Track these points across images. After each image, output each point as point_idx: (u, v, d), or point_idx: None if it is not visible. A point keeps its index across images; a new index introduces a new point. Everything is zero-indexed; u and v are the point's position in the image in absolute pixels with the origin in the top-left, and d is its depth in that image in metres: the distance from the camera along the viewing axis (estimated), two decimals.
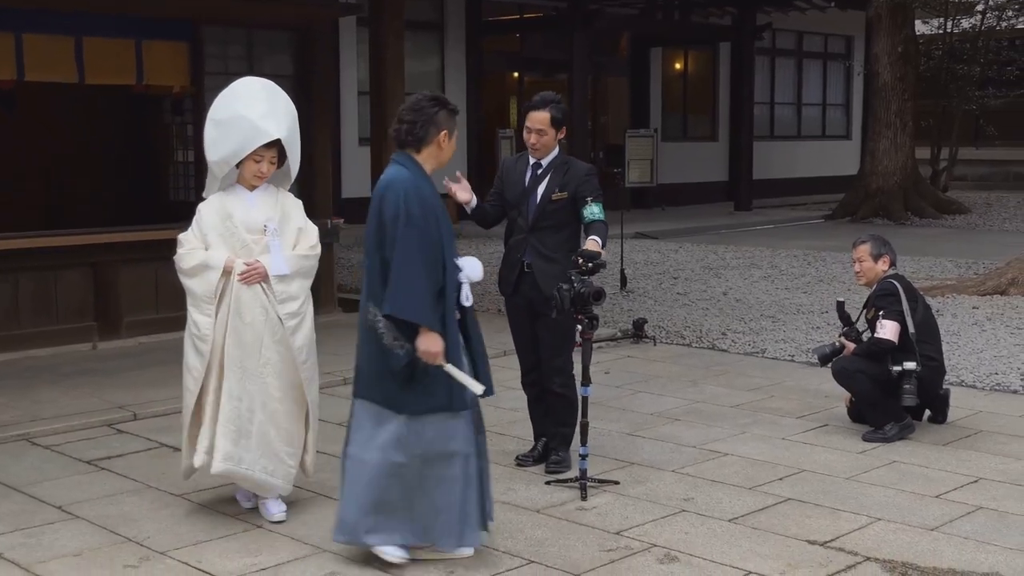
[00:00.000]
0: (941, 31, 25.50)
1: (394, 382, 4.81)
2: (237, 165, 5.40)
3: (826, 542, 5.14)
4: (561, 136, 6.07)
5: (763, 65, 26.10)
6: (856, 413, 7.06)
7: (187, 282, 5.46)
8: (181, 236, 5.50)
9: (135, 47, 9.64)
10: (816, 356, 7.24)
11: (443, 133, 4.94)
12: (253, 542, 5.18)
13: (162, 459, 6.48)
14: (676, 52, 24.97)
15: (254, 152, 5.34)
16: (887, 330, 6.73)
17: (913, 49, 22.03)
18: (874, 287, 6.99)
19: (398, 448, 4.81)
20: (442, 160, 4.99)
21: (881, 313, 6.80)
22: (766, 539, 5.18)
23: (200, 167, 10.45)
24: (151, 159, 11.45)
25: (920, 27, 24.44)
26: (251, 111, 5.37)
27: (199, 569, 4.87)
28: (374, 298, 4.81)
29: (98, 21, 9.36)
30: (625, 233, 14.50)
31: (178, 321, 9.65)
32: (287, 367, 5.40)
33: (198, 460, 5.43)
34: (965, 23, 25.61)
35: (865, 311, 7.07)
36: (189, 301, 5.45)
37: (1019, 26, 26.02)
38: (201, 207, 5.51)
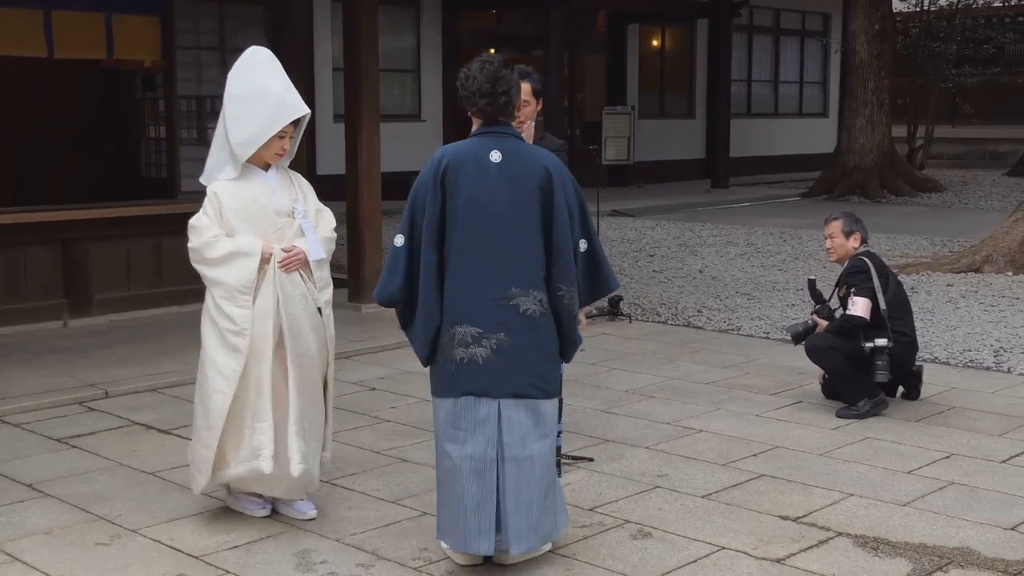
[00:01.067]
0: (918, 9, 25.61)
1: (557, 367, 4.70)
2: None
3: (799, 518, 5.15)
4: (539, 108, 6.04)
5: (740, 42, 26.07)
6: (829, 390, 7.07)
7: (214, 272, 4.96)
8: (194, 222, 5.00)
9: (105, 21, 9.54)
10: (789, 334, 7.24)
11: (520, 96, 4.82)
12: (226, 520, 5.15)
13: (134, 437, 6.43)
14: (653, 29, 24.92)
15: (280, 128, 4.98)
16: (858, 307, 6.74)
17: (890, 27, 22.07)
18: (845, 264, 7.00)
19: (553, 428, 4.66)
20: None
21: (852, 290, 6.80)
22: (739, 515, 5.19)
23: (173, 143, 10.42)
24: (122, 135, 11.36)
25: (897, 5, 24.48)
26: (273, 84, 4.99)
27: (171, 547, 4.84)
28: (542, 281, 4.52)
29: None
30: (601, 211, 14.47)
31: (149, 299, 9.75)
32: (320, 358, 5.10)
33: (259, 465, 4.92)
34: (942, 0, 25.70)
35: (837, 288, 7.07)
36: (218, 293, 4.95)
37: (995, 4, 26.12)
38: (216, 190, 5.01)
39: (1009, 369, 7.99)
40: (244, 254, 4.92)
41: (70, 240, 9.35)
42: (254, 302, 4.93)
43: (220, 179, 5.04)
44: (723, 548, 4.80)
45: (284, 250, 4.98)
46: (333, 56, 17.88)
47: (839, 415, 6.75)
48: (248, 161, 5.03)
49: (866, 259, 6.90)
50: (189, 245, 5.01)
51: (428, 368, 4.66)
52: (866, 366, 6.76)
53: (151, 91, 10.91)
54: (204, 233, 4.97)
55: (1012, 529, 5.01)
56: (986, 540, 4.88)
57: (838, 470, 5.81)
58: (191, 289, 9.71)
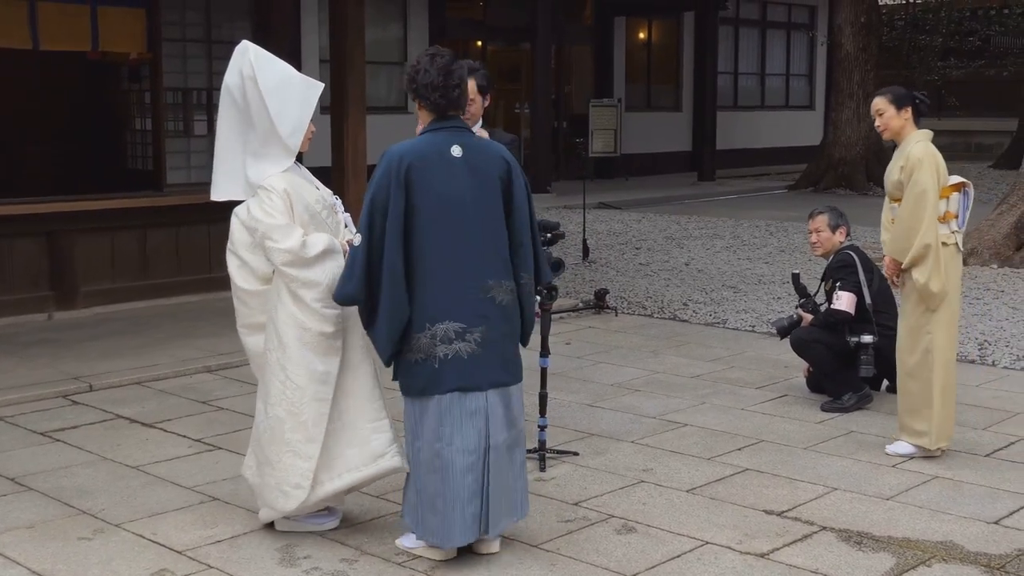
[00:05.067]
0: (904, 1, 25.64)
1: (519, 348, 4.74)
2: None
3: (783, 512, 5.16)
4: (487, 104, 5.96)
5: (727, 35, 26.09)
6: (814, 383, 7.09)
7: (309, 274, 4.64)
8: (273, 222, 4.63)
9: (90, 13, 9.50)
10: (775, 328, 7.26)
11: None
12: (209, 514, 5.14)
13: (118, 431, 6.41)
14: (640, 21, 24.90)
15: None
16: (843, 301, 6.76)
17: (876, 19, 22.10)
18: (831, 258, 7.01)
19: (521, 411, 4.73)
20: None
21: (838, 284, 6.82)
22: (723, 509, 5.20)
23: (159, 135, 10.38)
24: (108, 127, 11.32)
25: None
26: (289, 68, 4.81)
27: (154, 541, 4.82)
28: (510, 270, 4.61)
29: None
30: (588, 203, 14.49)
31: (135, 291, 9.73)
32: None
33: (389, 464, 4.78)
34: None
35: (823, 283, 7.09)
36: (312, 296, 4.64)
37: None
38: (280, 187, 4.70)
39: (994, 362, 8.02)
40: (335, 252, 4.70)
41: (55, 232, 9.31)
42: None
43: (271, 173, 4.75)
44: (707, 543, 4.81)
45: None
46: (320, 47, 17.80)
47: (824, 409, 6.77)
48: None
49: (852, 253, 6.91)
50: (279, 246, 4.61)
51: (395, 369, 4.61)
52: (851, 360, 6.77)
53: (137, 83, 10.87)
54: (293, 232, 4.64)
55: (995, 523, 5.03)
56: (969, 534, 4.90)
57: (823, 464, 5.83)
58: (176, 282, 9.82)
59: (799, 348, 6.93)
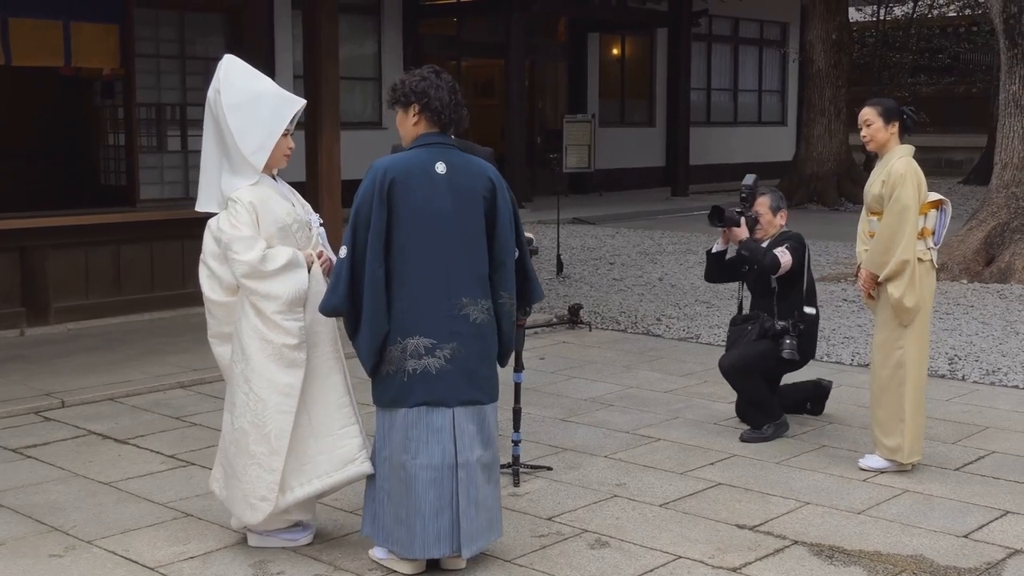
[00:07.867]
0: (874, 19, 25.85)
1: (496, 370, 4.71)
2: None
3: (755, 526, 5.19)
4: None
5: (700, 51, 26.22)
6: (742, 411, 6.82)
7: (269, 286, 4.65)
8: (237, 234, 4.66)
9: (63, 28, 9.50)
10: (711, 211, 6.64)
11: None
12: (182, 530, 5.13)
13: (90, 447, 6.39)
14: (613, 37, 25.02)
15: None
16: (785, 256, 6.51)
17: (847, 36, 22.30)
18: (772, 238, 6.74)
19: (494, 431, 4.72)
20: None
21: (787, 246, 6.59)
22: (696, 524, 5.22)
23: (132, 151, 10.37)
24: (81, 143, 11.30)
25: (854, 14, 24.76)
26: (264, 84, 4.86)
27: (126, 558, 4.81)
28: (488, 289, 4.61)
29: (25, 1, 9.19)
30: (562, 218, 14.54)
31: (108, 307, 9.69)
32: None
33: (359, 470, 4.77)
34: (898, 11, 26.00)
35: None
36: (272, 308, 4.65)
37: (950, 14, 26.42)
38: (246, 199, 4.71)
39: (963, 377, 8.08)
40: (297, 266, 4.72)
41: (28, 248, 9.26)
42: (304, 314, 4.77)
43: (240, 187, 4.77)
44: (680, 557, 4.83)
45: (318, 256, 4.88)
46: (294, 63, 17.81)
47: (743, 439, 6.54)
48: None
49: (802, 237, 6.73)
50: (240, 258, 4.64)
51: (371, 379, 4.65)
52: (776, 383, 6.70)
53: (110, 98, 10.86)
54: (255, 245, 4.67)
55: (965, 537, 5.07)
56: (939, 548, 4.94)
57: (794, 478, 5.86)
58: (150, 297, 9.79)
59: (735, 374, 6.64)
